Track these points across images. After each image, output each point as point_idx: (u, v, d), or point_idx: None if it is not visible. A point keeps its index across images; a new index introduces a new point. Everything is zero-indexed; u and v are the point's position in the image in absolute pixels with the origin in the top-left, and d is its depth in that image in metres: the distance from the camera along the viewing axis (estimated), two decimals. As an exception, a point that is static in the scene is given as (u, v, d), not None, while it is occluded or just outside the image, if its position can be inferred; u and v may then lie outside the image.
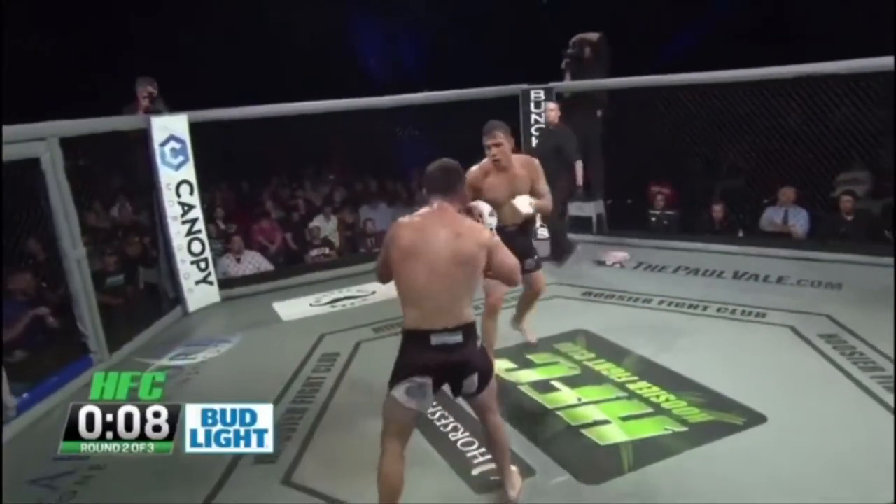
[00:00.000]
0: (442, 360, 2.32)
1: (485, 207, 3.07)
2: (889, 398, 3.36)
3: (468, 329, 2.35)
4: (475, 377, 2.40)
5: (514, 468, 2.76)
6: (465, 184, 2.62)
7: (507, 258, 2.48)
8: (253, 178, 9.06)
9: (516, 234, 3.67)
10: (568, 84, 6.79)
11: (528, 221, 3.85)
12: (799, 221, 6.37)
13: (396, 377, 2.37)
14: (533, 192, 3.67)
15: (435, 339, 2.30)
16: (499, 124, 3.61)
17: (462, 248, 2.32)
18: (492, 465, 2.96)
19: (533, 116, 6.84)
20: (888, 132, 6.36)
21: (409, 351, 2.35)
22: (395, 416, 2.40)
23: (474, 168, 3.59)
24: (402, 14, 10.98)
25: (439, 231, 2.34)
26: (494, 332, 3.84)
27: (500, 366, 4.05)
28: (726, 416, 3.30)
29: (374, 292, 5.76)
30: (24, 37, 8.93)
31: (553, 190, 5.39)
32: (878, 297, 4.80)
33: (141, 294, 5.89)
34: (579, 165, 6.03)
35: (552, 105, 6.14)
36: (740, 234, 6.60)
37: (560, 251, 6.24)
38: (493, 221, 3.07)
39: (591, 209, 6.98)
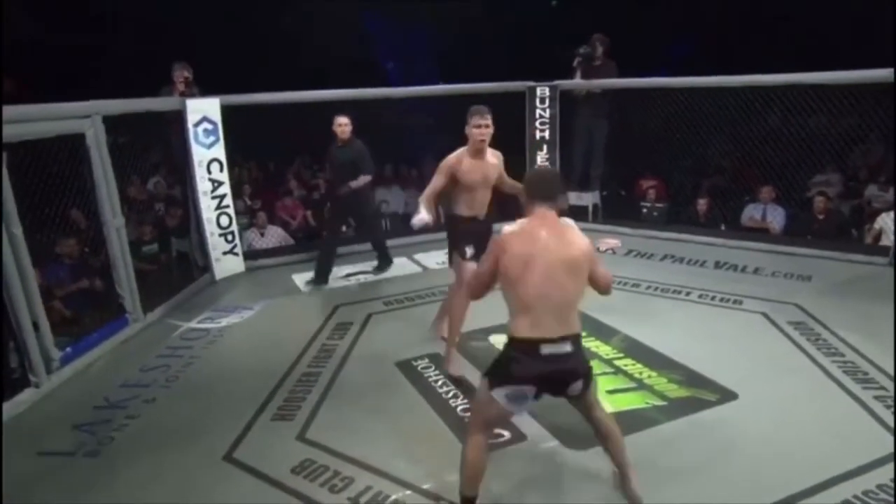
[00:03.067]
0: (549, 370, 2.17)
1: None
2: (849, 382, 3.38)
3: (577, 339, 2.21)
4: (580, 383, 2.26)
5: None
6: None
7: (605, 269, 2.36)
8: (278, 158, 9.01)
9: (486, 223, 3.59)
10: (571, 82, 6.68)
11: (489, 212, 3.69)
12: (776, 218, 6.35)
13: (499, 379, 2.21)
14: (501, 182, 3.62)
15: (545, 349, 2.13)
16: (487, 108, 3.43)
17: (573, 255, 2.19)
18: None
19: (538, 111, 6.78)
20: (857, 139, 6.37)
21: (517, 359, 2.17)
22: (489, 411, 2.28)
23: (452, 156, 3.46)
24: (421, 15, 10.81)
25: (551, 238, 2.19)
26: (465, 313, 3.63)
27: (498, 340, 4.07)
28: (702, 393, 3.31)
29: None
30: (72, 27, 8.85)
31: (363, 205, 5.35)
32: (843, 289, 4.80)
33: (173, 262, 5.91)
34: (362, 180, 5.27)
35: (344, 120, 5.18)
36: (722, 227, 6.56)
37: (386, 260, 5.70)
38: None
39: (588, 199, 6.95)
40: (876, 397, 3.20)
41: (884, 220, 5.63)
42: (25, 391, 3.49)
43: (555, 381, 2.22)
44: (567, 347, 2.16)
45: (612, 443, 2.41)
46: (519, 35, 10.87)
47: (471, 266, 3.38)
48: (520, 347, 2.17)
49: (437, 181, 3.44)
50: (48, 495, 2.71)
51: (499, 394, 2.20)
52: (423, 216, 3.33)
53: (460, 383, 3.45)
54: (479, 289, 2.38)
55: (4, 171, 3.36)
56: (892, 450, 2.75)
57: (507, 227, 2.28)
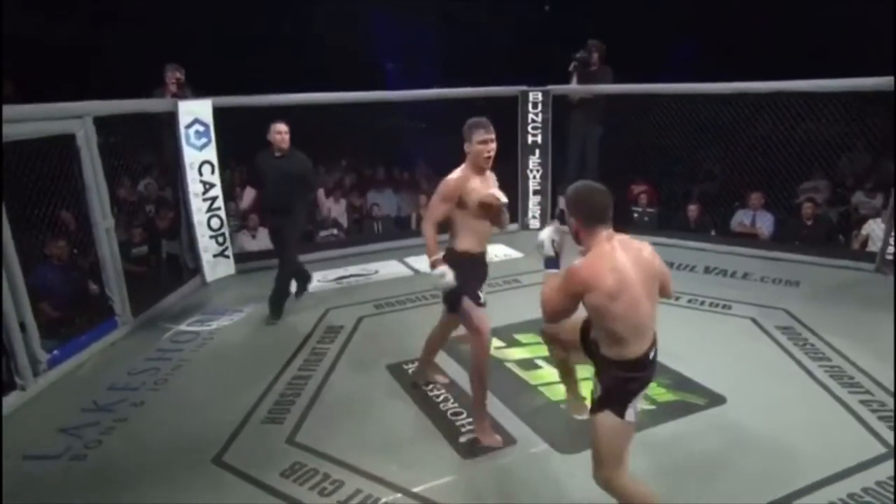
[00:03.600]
0: (652, 371, 2.18)
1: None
2: (836, 386, 3.41)
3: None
4: None
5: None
6: None
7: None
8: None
9: (483, 259, 3.08)
10: (567, 87, 6.69)
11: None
12: (765, 224, 6.40)
13: (619, 402, 2.11)
14: None
15: (651, 354, 2.14)
16: (488, 120, 2.98)
17: (651, 273, 2.11)
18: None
19: (530, 116, 6.81)
20: (845, 147, 6.44)
21: (634, 378, 2.11)
22: (625, 439, 2.17)
23: (455, 176, 2.95)
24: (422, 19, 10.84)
25: (631, 262, 2.05)
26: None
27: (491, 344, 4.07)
28: (690, 397, 3.33)
29: (376, 271, 5.77)
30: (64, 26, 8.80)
31: (294, 226, 4.56)
32: (831, 294, 4.85)
33: (163, 264, 5.88)
34: (321, 194, 4.72)
35: (283, 127, 4.53)
36: (712, 232, 6.60)
37: (279, 304, 4.69)
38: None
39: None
40: (862, 402, 3.24)
41: (871, 227, 5.70)
42: (11, 394, 3.46)
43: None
44: (656, 346, 2.17)
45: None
46: (512, 39, 10.92)
47: (483, 313, 2.97)
48: (633, 367, 2.10)
49: (439, 210, 2.92)
50: (33, 499, 2.69)
51: (629, 415, 2.12)
52: (447, 276, 2.83)
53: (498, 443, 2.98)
54: (559, 319, 2.21)
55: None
56: (877, 453, 2.79)
57: (584, 262, 2.05)
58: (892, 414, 3.11)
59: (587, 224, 2.08)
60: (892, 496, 2.52)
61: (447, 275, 2.82)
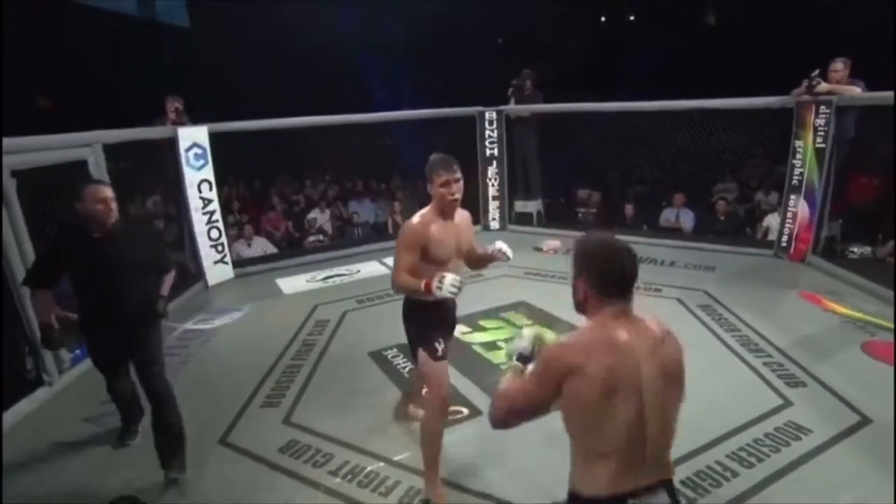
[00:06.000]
0: None
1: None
2: (745, 352, 3.57)
3: (671, 484, 1.40)
4: None
5: None
6: None
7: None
8: (263, 177, 8.93)
9: (453, 307, 2.51)
10: (512, 108, 6.84)
11: None
12: (686, 220, 6.59)
13: None
14: (470, 251, 2.50)
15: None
16: (452, 158, 2.30)
17: (673, 367, 1.38)
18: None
19: (487, 132, 6.87)
20: (749, 154, 6.70)
21: None
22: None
23: (414, 221, 2.29)
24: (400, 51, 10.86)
25: (641, 347, 1.35)
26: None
27: (458, 329, 4.12)
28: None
29: (358, 271, 5.79)
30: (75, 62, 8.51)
31: (154, 340, 2.72)
32: (740, 277, 5.04)
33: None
34: (171, 277, 2.91)
35: (108, 192, 2.55)
36: (645, 228, 6.78)
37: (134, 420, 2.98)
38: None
39: (532, 206, 7.11)
40: (765, 363, 3.41)
41: (770, 220, 5.95)
42: (40, 389, 3.41)
43: None
44: (663, 498, 1.35)
45: None
46: (471, 67, 11.02)
47: (443, 367, 2.35)
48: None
49: (405, 261, 2.26)
50: (61, 480, 2.68)
51: None
52: (450, 280, 2.16)
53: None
54: (518, 422, 1.43)
55: (14, 193, 3.29)
56: (776, 405, 2.96)
57: (571, 337, 1.42)
58: (788, 371, 3.29)
59: (600, 290, 1.40)
60: (786, 439, 2.67)
61: (450, 279, 2.16)
